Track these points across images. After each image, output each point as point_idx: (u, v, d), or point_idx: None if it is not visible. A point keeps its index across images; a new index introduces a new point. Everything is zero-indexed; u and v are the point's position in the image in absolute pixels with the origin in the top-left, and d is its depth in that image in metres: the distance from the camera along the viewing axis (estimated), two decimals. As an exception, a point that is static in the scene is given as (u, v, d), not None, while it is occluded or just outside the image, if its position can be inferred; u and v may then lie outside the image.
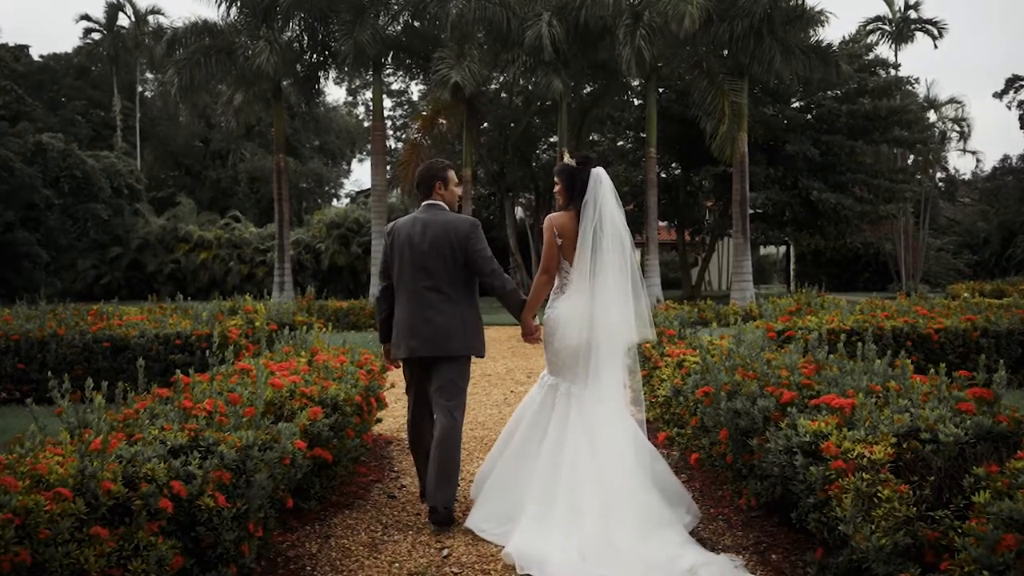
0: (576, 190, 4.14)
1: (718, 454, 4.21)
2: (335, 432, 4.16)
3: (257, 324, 9.58)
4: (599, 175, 4.13)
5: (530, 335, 4.34)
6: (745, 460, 3.85)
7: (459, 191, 4.57)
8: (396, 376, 8.15)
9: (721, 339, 6.16)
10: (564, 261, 4.16)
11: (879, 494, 2.59)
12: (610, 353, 4.03)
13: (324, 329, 12.20)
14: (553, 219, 4.19)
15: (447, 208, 4.37)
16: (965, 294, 18.39)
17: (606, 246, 4.03)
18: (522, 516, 3.73)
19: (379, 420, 6.11)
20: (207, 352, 7.84)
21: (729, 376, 4.18)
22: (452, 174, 4.43)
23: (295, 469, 3.44)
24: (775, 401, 3.67)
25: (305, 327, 10.04)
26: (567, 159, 4.25)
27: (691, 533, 3.83)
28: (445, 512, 4.03)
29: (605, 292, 4.01)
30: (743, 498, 3.97)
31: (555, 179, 4.29)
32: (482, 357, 4.41)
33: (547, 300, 4.29)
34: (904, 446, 2.88)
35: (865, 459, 2.74)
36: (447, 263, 4.20)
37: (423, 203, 4.39)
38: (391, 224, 4.46)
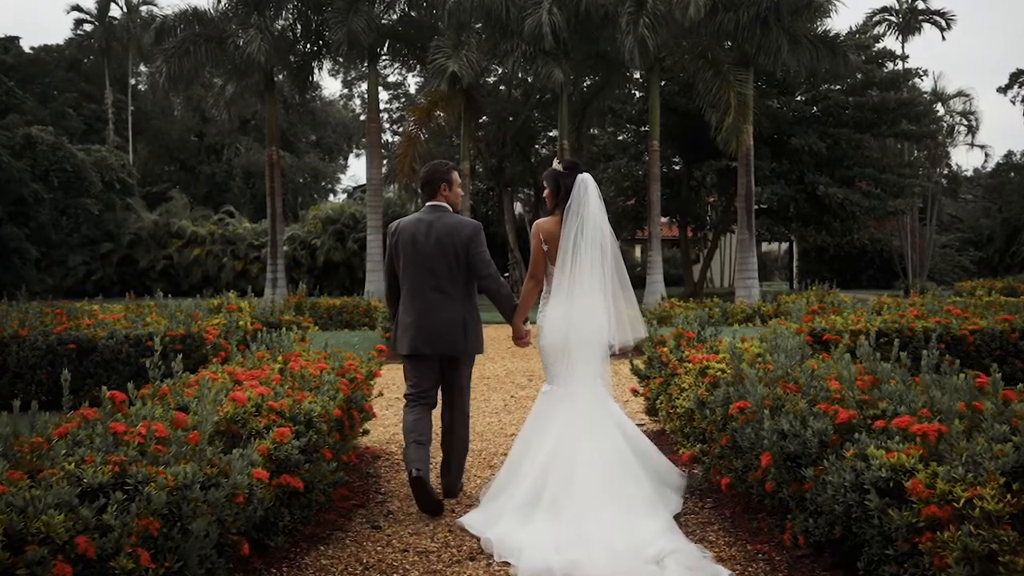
0: (561, 195, 4.28)
1: (755, 480, 3.60)
2: (308, 454, 3.55)
3: (241, 324, 8.99)
4: (584, 181, 4.24)
5: (520, 339, 4.55)
6: (793, 491, 3.24)
7: (462, 192, 4.77)
8: (384, 384, 7.54)
9: (743, 341, 5.57)
10: (551, 266, 4.29)
11: (1003, 559, 1.99)
12: (588, 354, 4.15)
13: (312, 328, 11.62)
14: (539, 224, 4.37)
15: (451, 209, 4.52)
16: (979, 291, 17.85)
17: (585, 250, 4.15)
18: (508, 511, 3.83)
19: (365, 432, 5.52)
20: (180, 354, 7.34)
21: (769, 389, 3.57)
22: (456, 176, 4.60)
23: (253, 506, 2.84)
24: (831, 422, 3.06)
25: (291, 327, 9.46)
26: (555, 164, 4.41)
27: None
28: (455, 487, 4.53)
29: (583, 295, 4.14)
30: (787, 533, 3.37)
31: (544, 184, 4.45)
32: (480, 352, 4.60)
33: (540, 304, 4.42)
34: (1015, 487, 2.27)
35: (977, 508, 2.13)
36: (450, 264, 4.35)
37: (427, 204, 4.53)
38: (395, 223, 4.58)
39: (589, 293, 4.14)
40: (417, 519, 4.12)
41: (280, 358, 4.68)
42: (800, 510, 3.22)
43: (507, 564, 3.46)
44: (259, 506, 2.90)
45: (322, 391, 4.09)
